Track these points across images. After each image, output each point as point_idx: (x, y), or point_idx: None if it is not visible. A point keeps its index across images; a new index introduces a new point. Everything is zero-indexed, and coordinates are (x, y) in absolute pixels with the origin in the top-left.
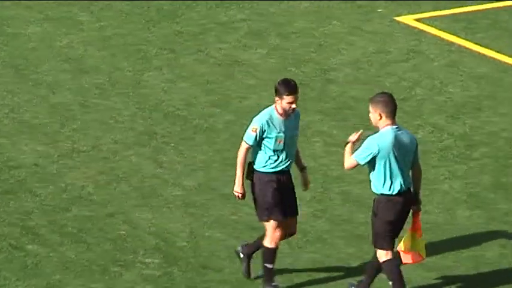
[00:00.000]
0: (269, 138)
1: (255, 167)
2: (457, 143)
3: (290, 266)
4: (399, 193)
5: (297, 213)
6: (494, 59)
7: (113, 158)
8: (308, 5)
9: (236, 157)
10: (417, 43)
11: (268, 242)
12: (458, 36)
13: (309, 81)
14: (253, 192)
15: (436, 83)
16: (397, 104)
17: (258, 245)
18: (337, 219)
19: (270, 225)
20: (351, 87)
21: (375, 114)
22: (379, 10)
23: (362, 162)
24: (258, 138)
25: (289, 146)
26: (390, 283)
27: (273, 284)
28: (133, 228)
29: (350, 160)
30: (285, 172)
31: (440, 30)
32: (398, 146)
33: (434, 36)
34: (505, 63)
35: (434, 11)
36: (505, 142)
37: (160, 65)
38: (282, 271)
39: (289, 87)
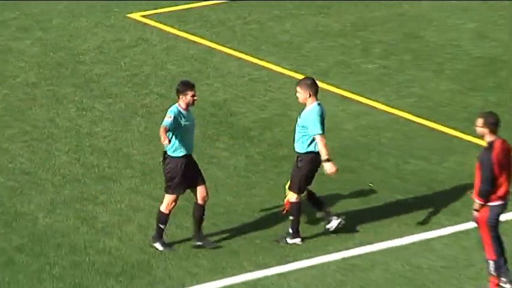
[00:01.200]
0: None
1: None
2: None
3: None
4: (317, 152)
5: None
6: (201, 44)
7: None
8: (63, 7)
9: None
10: (143, 33)
11: (164, 208)
12: (173, 27)
13: (64, 63)
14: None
15: (158, 61)
16: (142, 78)
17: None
18: (89, 164)
19: (171, 198)
20: (96, 66)
21: (304, 94)
22: (115, 9)
23: (322, 132)
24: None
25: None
26: (291, 218)
27: (162, 240)
28: None
29: (321, 138)
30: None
31: (160, 23)
32: (323, 116)
33: (156, 28)
34: (209, 46)
35: (156, 9)
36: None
37: None
38: None
39: (190, 85)
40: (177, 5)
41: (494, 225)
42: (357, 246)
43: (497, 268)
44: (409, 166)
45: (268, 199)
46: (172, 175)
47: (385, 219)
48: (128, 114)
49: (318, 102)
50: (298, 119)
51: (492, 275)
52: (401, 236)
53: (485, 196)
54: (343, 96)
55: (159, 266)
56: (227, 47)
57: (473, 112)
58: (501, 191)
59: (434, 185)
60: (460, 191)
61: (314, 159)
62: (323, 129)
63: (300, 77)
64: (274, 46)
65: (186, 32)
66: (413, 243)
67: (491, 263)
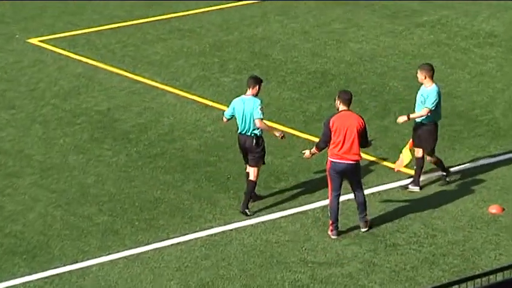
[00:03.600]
0: None
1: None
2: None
3: None
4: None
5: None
6: (88, 63)
7: None
8: None
9: None
10: (40, 55)
11: (255, 178)
12: (65, 50)
13: None
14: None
15: (52, 78)
16: (39, 92)
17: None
18: None
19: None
20: (0, 84)
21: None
22: (17, 36)
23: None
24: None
25: None
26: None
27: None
28: None
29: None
30: None
31: (54, 46)
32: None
33: (51, 50)
34: (94, 65)
35: (51, 35)
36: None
37: None
38: None
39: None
40: (68, 31)
41: (332, 177)
42: (219, 226)
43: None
44: None
45: (144, 189)
46: (264, 150)
47: (238, 202)
48: (28, 122)
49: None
50: None
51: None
52: (254, 217)
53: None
54: (205, 104)
55: (56, 246)
56: (110, 66)
57: (310, 116)
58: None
59: (280, 175)
60: (299, 180)
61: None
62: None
63: (170, 89)
64: (148, 64)
65: (76, 54)
66: (263, 222)
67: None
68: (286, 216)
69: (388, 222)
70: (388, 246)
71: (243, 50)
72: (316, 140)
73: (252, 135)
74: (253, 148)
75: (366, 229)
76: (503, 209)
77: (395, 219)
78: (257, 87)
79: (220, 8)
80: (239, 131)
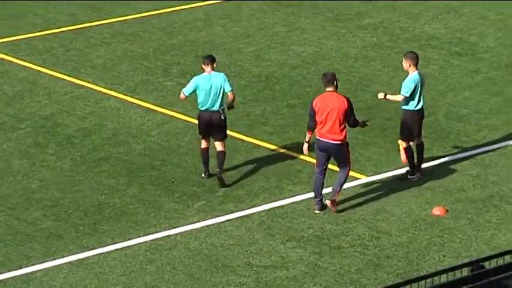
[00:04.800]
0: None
1: None
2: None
3: None
4: None
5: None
6: (31, 68)
7: None
8: None
9: None
10: None
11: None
12: (7, 55)
13: None
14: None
15: None
16: None
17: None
18: None
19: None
20: None
21: None
22: None
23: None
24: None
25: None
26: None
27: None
28: None
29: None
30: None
31: None
32: None
33: None
34: (37, 70)
35: None
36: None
37: None
38: None
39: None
40: (11, 36)
41: (317, 155)
42: (163, 230)
43: None
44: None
45: (89, 194)
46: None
47: (186, 207)
48: None
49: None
50: None
51: None
52: (199, 221)
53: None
54: (148, 108)
55: (0, 251)
56: (52, 70)
57: (254, 119)
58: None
59: (226, 179)
60: (244, 183)
61: None
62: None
63: (113, 93)
64: (91, 68)
65: (19, 59)
66: (208, 226)
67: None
68: (231, 220)
69: (333, 225)
70: (332, 249)
71: (187, 54)
72: (261, 143)
73: (219, 109)
74: (221, 122)
75: (329, 203)
76: (447, 211)
77: (340, 222)
78: (214, 64)
79: (163, 12)
80: (204, 108)
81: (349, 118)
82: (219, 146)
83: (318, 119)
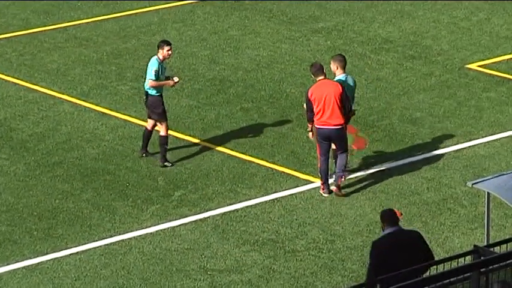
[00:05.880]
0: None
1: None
2: None
3: None
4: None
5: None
6: None
7: None
8: None
9: None
10: None
11: (164, 133)
12: None
13: None
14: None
15: None
16: None
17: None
18: None
19: (166, 123)
20: None
21: None
22: None
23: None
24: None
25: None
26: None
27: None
28: None
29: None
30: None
31: None
32: None
33: None
34: None
35: None
36: None
37: None
38: None
39: (167, 42)
40: None
41: (320, 144)
42: (118, 234)
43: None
44: (157, 168)
45: (43, 198)
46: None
47: (141, 212)
48: None
49: None
50: None
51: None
52: (153, 225)
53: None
54: (102, 112)
55: None
56: (5, 75)
57: (208, 123)
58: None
59: (179, 182)
60: (198, 187)
61: None
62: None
63: (67, 97)
64: (45, 73)
65: None
66: (162, 230)
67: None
68: (185, 224)
69: (287, 229)
70: (287, 252)
71: (141, 58)
72: (215, 147)
73: (146, 90)
74: (150, 106)
75: (335, 189)
76: (401, 214)
77: (294, 226)
78: (159, 50)
79: (117, 16)
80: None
81: (345, 102)
82: (159, 128)
83: (315, 109)
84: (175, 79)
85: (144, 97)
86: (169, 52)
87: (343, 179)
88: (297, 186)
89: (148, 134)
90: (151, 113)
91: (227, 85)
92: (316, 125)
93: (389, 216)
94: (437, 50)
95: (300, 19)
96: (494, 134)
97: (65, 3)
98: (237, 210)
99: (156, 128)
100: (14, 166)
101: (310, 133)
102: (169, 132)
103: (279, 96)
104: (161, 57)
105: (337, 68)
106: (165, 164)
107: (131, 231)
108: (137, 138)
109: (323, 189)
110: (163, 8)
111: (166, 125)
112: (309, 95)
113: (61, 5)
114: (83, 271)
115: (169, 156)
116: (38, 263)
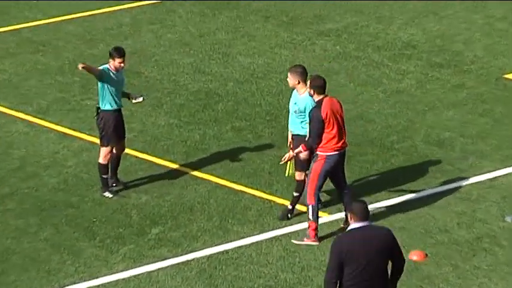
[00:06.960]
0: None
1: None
2: None
3: None
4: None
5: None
6: None
7: None
8: None
9: None
10: None
11: (102, 160)
12: None
13: None
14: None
15: None
16: None
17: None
18: None
19: (106, 150)
20: None
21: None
22: None
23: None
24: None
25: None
26: None
27: (109, 188)
28: None
29: None
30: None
31: None
32: None
33: None
34: None
35: None
36: None
37: None
38: None
39: (119, 52)
40: None
41: (325, 175)
42: (82, 281)
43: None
44: (130, 200)
45: None
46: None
47: (110, 253)
48: None
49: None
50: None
51: (310, 220)
52: (126, 269)
53: (310, 148)
54: (64, 133)
55: None
56: None
57: (192, 146)
58: (335, 142)
59: (157, 218)
60: (180, 223)
61: None
62: None
63: (21, 115)
64: None
65: None
66: (136, 276)
67: (310, 207)
68: (164, 268)
69: (288, 273)
70: None
71: None
72: (200, 175)
73: (98, 107)
74: (99, 123)
75: None
76: (426, 255)
77: (297, 270)
78: (110, 59)
79: (81, 16)
80: None
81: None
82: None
83: (331, 132)
84: (139, 99)
85: (95, 113)
86: (122, 65)
87: None
88: (300, 222)
89: (116, 159)
90: (100, 131)
91: (215, 99)
92: (329, 153)
93: (360, 210)
94: (469, 56)
95: (303, 19)
96: None
97: (19, 1)
98: (227, 252)
99: (126, 150)
100: None
101: (287, 156)
102: (144, 156)
103: (278, 113)
104: (112, 68)
105: (298, 83)
106: (104, 194)
107: (99, 276)
108: None
109: (314, 237)
110: (137, 6)
111: (109, 150)
112: (322, 112)
113: (14, 3)
114: None
115: (146, 186)
116: None
